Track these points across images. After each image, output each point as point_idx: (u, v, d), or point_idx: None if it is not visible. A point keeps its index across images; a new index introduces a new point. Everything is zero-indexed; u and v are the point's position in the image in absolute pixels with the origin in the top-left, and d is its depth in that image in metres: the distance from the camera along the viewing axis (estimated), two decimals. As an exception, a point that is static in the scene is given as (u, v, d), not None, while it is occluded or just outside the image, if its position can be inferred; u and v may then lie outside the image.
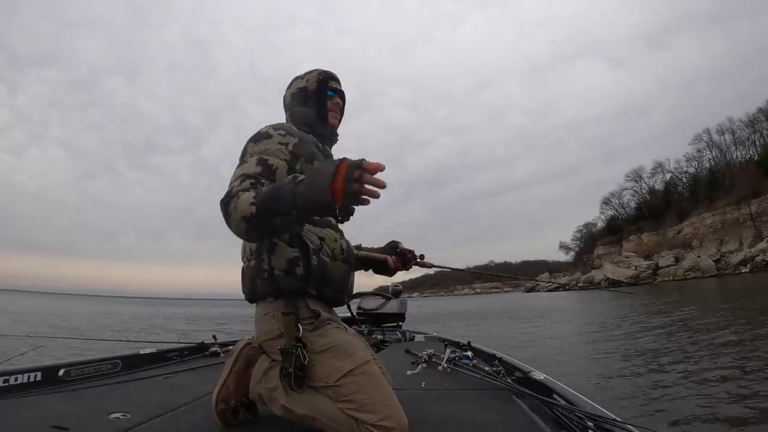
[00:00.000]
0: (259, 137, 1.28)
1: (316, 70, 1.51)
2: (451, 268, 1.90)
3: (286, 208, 1.02)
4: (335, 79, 1.51)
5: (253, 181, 1.16)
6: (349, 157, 0.96)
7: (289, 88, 1.52)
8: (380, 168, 0.91)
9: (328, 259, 1.30)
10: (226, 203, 1.10)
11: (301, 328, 1.21)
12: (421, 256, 1.65)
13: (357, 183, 0.91)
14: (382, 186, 0.93)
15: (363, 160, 0.93)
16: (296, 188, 1.00)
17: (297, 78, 1.51)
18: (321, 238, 1.31)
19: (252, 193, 1.08)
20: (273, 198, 1.03)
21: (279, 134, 1.29)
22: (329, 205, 0.95)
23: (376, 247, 1.65)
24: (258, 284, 1.27)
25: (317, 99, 1.47)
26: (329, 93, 1.49)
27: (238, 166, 1.23)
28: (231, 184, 1.17)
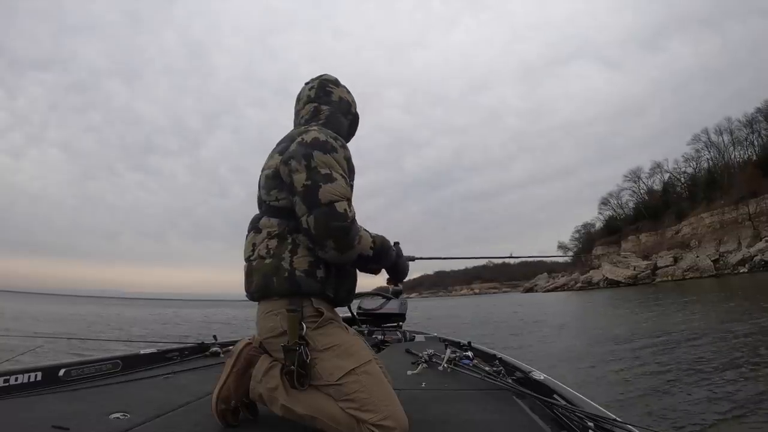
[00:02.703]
0: (327, 148, 1.26)
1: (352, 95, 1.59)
2: (432, 258, 2.10)
3: (384, 263, 1.38)
4: None
5: (352, 208, 1.26)
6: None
7: (337, 86, 1.53)
8: None
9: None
10: (347, 230, 1.19)
11: (304, 326, 1.21)
12: (395, 243, 1.66)
13: None
14: None
15: None
16: (394, 257, 1.41)
17: (344, 87, 1.56)
18: None
19: (369, 235, 1.29)
20: (386, 252, 1.36)
21: (341, 147, 1.30)
22: (398, 277, 1.50)
23: None
24: (274, 282, 1.25)
25: (352, 122, 1.58)
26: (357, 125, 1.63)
27: (327, 182, 1.20)
28: (338, 203, 1.19)
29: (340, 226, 1.18)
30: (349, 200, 1.25)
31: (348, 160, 1.33)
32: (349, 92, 1.57)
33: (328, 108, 1.48)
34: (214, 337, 2.91)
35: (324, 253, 1.22)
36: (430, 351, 2.37)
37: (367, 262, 1.32)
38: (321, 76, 1.54)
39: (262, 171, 1.38)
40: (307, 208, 1.20)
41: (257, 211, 1.40)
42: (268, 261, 1.27)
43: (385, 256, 1.36)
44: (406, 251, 1.68)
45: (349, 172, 1.33)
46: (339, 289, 1.32)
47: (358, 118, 1.61)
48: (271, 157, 1.35)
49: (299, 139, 1.28)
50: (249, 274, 1.32)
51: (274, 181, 1.31)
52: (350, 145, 1.55)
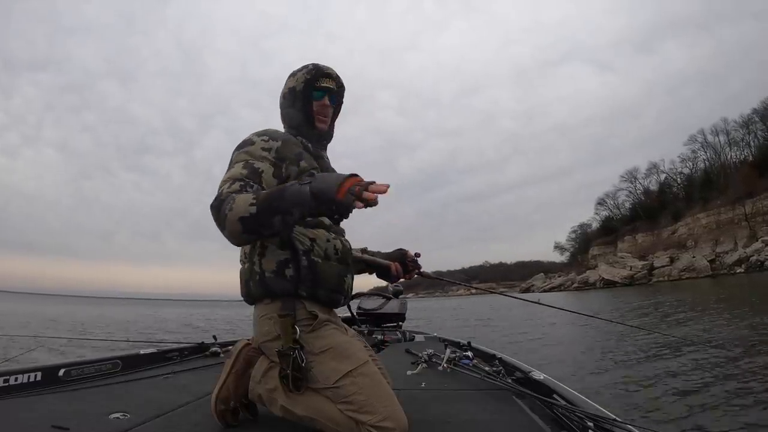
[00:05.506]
0: (243, 144, 1.28)
1: (306, 66, 1.42)
2: (452, 281, 2.22)
3: (289, 206, 1.03)
4: (325, 75, 1.42)
5: (242, 183, 1.15)
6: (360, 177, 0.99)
7: (284, 86, 1.47)
8: (383, 191, 0.94)
9: (319, 260, 1.29)
10: (218, 207, 1.09)
11: (298, 329, 1.21)
12: (417, 254, 1.67)
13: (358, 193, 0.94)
14: (383, 191, 0.94)
15: (372, 182, 0.95)
16: (302, 187, 1.02)
17: (290, 75, 1.45)
18: (312, 239, 1.29)
19: (250, 195, 1.08)
20: (277, 197, 1.04)
21: (262, 140, 1.28)
22: (334, 200, 0.97)
23: (383, 252, 1.66)
24: (251, 286, 1.28)
25: (303, 101, 1.41)
26: (318, 93, 1.41)
27: (225, 174, 1.22)
28: (220, 188, 1.16)
29: (212, 205, 1.12)
30: (235, 179, 1.16)
31: (270, 149, 1.27)
32: (291, 75, 1.43)
33: (281, 114, 1.47)
34: (214, 337, 2.91)
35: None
36: (430, 351, 2.38)
37: (259, 222, 1.05)
38: None
39: None
40: None
41: None
42: (246, 266, 1.31)
43: (281, 201, 1.04)
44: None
45: (280, 159, 1.27)
46: (314, 287, 1.27)
47: (309, 89, 1.40)
48: None
49: None
50: (240, 278, 1.36)
51: None
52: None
